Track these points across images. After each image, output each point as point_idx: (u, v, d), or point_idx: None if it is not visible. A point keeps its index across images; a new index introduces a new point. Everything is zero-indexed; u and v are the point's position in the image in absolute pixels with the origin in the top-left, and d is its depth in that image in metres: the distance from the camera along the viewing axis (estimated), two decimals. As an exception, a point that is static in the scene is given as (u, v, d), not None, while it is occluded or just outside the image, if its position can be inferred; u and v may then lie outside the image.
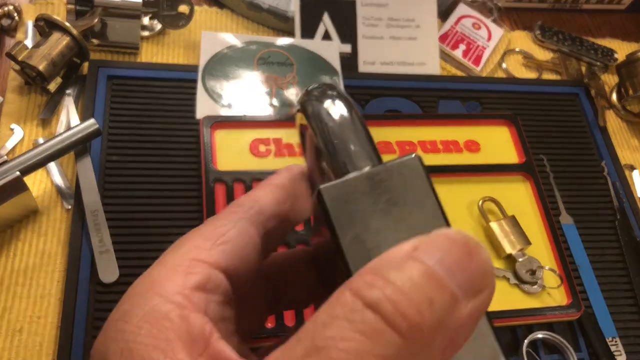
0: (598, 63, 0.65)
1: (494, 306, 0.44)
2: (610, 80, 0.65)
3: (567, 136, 0.58)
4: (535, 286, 0.46)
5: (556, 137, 0.57)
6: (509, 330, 0.45)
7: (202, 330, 0.19)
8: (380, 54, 0.58)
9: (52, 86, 0.48)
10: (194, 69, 0.52)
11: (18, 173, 0.41)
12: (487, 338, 0.21)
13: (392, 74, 0.57)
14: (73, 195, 0.44)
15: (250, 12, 0.58)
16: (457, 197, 0.49)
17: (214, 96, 0.51)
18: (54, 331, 0.40)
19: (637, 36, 0.71)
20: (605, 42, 0.68)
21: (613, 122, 0.62)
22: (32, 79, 0.47)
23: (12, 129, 0.47)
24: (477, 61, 0.61)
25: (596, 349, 0.45)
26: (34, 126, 0.48)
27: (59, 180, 0.45)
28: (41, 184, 0.45)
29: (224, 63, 0.53)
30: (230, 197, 0.45)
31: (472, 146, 0.52)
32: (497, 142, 0.53)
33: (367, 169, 0.29)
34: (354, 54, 0.57)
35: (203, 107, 0.50)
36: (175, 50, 0.55)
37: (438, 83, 0.57)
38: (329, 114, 0.28)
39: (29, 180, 0.43)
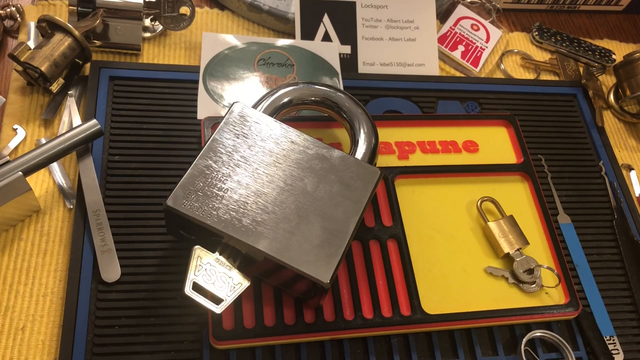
0: (596, 64, 0.65)
1: (493, 305, 0.44)
2: (607, 80, 0.66)
3: (565, 136, 0.58)
4: (534, 285, 0.46)
5: (554, 137, 0.58)
6: (507, 329, 0.45)
7: None
8: (379, 55, 0.59)
9: (54, 87, 0.49)
10: (195, 69, 0.53)
11: (20, 173, 0.41)
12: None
13: (392, 74, 0.57)
14: (75, 195, 0.45)
15: (250, 14, 0.58)
16: (456, 197, 0.50)
17: (215, 97, 0.51)
18: (56, 330, 0.40)
19: (634, 37, 0.71)
20: (603, 43, 0.69)
21: (611, 123, 0.62)
22: (35, 80, 0.48)
23: (14, 129, 0.47)
24: (475, 62, 0.62)
25: (594, 347, 0.46)
26: (36, 126, 0.48)
27: (61, 180, 0.46)
28: (43, 183, 0.46)
29: (224, 64, 0.53)
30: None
31: (471, 146, 0.53)
32: (496, 143, 0.54)
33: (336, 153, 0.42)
34: (353, 55, 0.58)
35: (204, 108, 0.50)
36: (176, 51, 0.55)
37: (437, 84, 0.58)
38: None
39: (31, 180, 0.44)
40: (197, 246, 0.37)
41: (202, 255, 0.37)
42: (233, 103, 0.42)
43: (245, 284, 0.37)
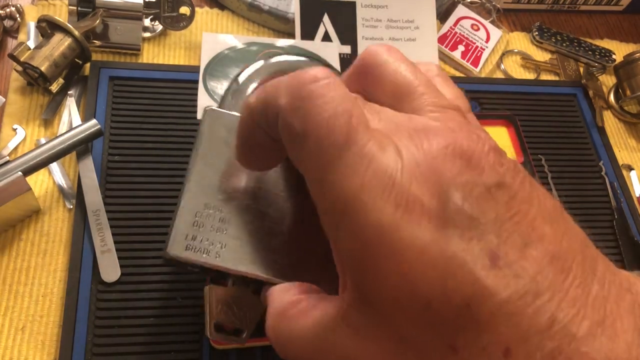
0: (596, 64, 0.65)
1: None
2: (608, 81, 0.66)
3: (565, 136, 0.58)
4: (534, 285, 0.46)
5: (554, 137, 0.58)
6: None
7: None
8: (379, 55, 0.58)
9: (54, 87, 0.49)
10: (195, 69, 0.53)
11: (20, 173, 0.41)
12: None
13: (392, 74, 0.57)
14: (75, 195, 0.45)
15: (250, 14, 0.58)
16: (456, 197, 0.50)
17: (215, 97, 0.51)
18: (56, 330, 0.40)
19: (635, 37, 0.71)
20: (603, 43, 0.69)
21: (611, 123, 0.62)
22: (34, 80, 0.48)
23: (14, 130, 0.47)
24: (475, 62, 0.62)
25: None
26: (36, 126, 0.48)
27: (60, 180, 0.46)
28: (43, 183, 0.45)
29: (224, 64, 0.53)
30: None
31: (471, 146, 0.53)
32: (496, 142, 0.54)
33: None
34: (353, 55, 0.58)
35: (204, 108, 0.50)
36: (176, 51, 0.55)
37: (437, 84, 0.58)
38: None
39: (31, 180, 0.44)
40: (208, 286, 0.34)
41: (216, 293, 0.34)
42: (204, 110, 0.35)
43: (261, 307, 0.34)
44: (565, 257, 0.19)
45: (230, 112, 0.36)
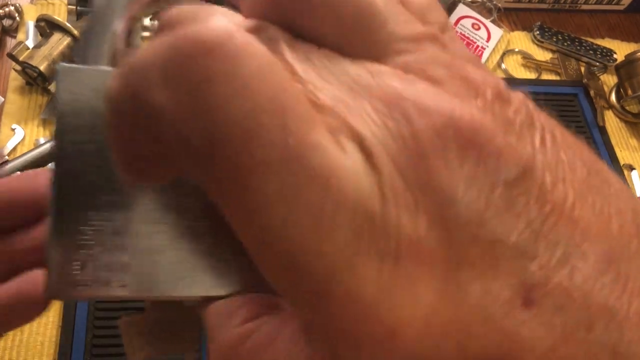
0: (597, 63, 0.65)
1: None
2: (609, 80, 0.66)
3: (566, 136, 0.58)
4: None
5: (555, 137, 0.57)
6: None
7: None
8: (380, 55, 0.58)
9: (53, 86, 0.49)
10: (194, 69, 0.52)
11: (19, 173, 0.41)
12: None
13: (392, 74, 0.57)
14: (74, 195, 0.45)
15: (250, 13, 0.58)
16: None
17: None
18: (55, 331, 0.40)
19: (636, 36, 0.71)
20: (604, 42, 0.68)
21: (612, 122, 0.62)
22: (33, 79, 0.47)
23: (13, 129, 0.47)
24: (476, 61, 0.61)
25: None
26: (35, 126, 0.48)
27: (60, 180, 0.46)
28: (42, 184, 0.45)
29: (224, 63, 0.53)
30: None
31: (472, 146, 0.53)
32: (497, 142, 0.54)
33: None
34: (353, 55, 0.58)
35: (203, 108, 0.50)
36: (175, 50, 0.55)
37: (438, 83, 0.57)
38: None
39: (30, 180, 0.44)
40: (122, 320, 0.27)
41: (136, 324, 0.28)
42: (57, 69, 0.19)
43: (200, 320, 0.28)
44: (621, 252, 0.13)
45: (94, 68, 0.21)
